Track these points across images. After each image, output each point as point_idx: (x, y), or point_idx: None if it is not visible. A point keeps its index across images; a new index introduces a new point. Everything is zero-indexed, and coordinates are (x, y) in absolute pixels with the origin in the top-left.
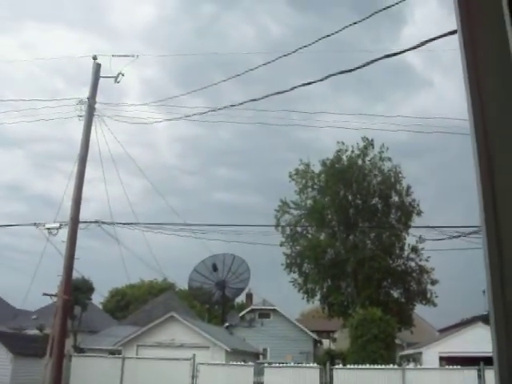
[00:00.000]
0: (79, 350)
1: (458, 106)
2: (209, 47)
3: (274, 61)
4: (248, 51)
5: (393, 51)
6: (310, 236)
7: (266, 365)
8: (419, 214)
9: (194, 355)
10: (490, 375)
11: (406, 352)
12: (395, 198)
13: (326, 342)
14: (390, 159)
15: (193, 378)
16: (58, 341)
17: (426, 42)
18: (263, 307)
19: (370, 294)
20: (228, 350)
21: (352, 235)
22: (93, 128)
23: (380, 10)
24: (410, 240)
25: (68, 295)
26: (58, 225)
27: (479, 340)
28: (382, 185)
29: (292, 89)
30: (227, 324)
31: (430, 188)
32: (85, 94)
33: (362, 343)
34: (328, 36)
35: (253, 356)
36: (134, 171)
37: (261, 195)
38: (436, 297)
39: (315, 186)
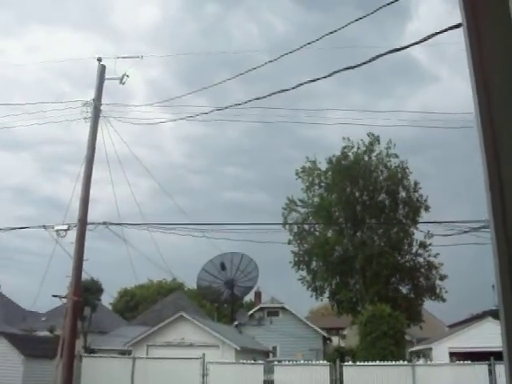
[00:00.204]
0: (90, 351)
1: (464, 99)
2: (213, 47)
3: (278, 58)
4: (253, 50)
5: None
6: (317, 233)
7: (275, 363)
8: (427, 209)
9: (204, 354)
10: (501, 370)
11: (415, 348)
12: (402, 194)
13: (335, 340)
14: (396, 156)
15: (203, 377)
16: (68, 342)
17: (431, 36)
18: (272, 305)
19: (378, 291)
20: (238, 348)
21: (360, 232)
22: (99, 129)
23: (384, 6)
24: (418, 235)
25: (78, 296)
26: (66, 227)
27: (489, 335)
28: (388, 181)
29: (297, 86)
30: (236, 323)
31: (437, 183)
32: (90, 95)
33: (372, 340)
34: (332, 32)
35: (262, 354)
36: (141, 172)
37: (268, 193)
38: (445, 292)
39: (322, 184)
